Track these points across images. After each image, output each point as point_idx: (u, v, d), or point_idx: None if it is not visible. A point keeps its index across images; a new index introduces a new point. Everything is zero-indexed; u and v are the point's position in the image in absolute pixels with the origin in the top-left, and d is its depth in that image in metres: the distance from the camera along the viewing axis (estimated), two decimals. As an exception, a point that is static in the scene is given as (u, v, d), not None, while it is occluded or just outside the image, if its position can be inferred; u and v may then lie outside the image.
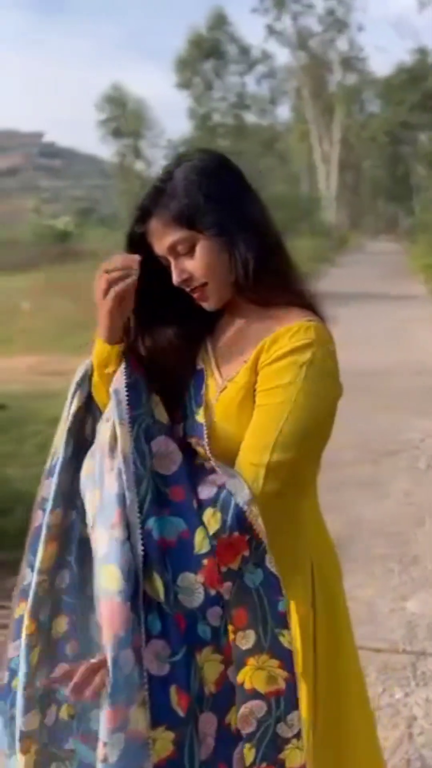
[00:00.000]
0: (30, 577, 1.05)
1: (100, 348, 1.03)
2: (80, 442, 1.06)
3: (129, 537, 0.87)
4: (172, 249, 0.97)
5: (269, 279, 0.97)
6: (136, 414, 0.94)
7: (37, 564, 1.04)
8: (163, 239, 0.97)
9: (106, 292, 0.98)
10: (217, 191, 0.96)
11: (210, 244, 0.96)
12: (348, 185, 41.02)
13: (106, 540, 0.88)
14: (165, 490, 0.91)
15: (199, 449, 0.97)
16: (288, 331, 0.94)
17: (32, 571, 1.05)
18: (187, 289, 0.99)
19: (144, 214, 0.98)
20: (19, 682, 1.04)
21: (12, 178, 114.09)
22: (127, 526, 0.87)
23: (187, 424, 1.00)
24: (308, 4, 33.01)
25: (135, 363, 1.00)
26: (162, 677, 0.82)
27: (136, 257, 0.97)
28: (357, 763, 1.06)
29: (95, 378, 1.04)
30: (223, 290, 0.98)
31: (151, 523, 0.87)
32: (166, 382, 1.02)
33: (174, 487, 0.91)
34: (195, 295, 0.99)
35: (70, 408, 1.08)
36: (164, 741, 0.82)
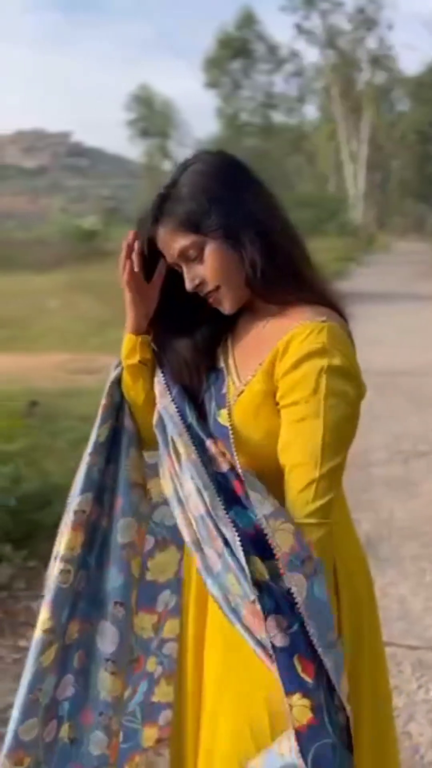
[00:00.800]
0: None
1: (125, 339, 1.07)
2: (115, 430, 1.09)
3: (227, 543, 0.88)
4: (182, 255, 0.96)
5: (280, 277, 0.95)
6: (188, 423, 0.97)
7: (61, 550, 1.04)
8: (172, 246, 0.96)
9: (123, 280, 1.02)
10: (220, 192, 0.94)
11: (218, 247, 0.94)
12: (376, 185, 40.64)
13: (215, 556, 0.91)
14: (230, 486, 0.92)
15: (213, 449, 0.95)
16: (300, 334, 0.91)
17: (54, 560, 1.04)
18: (202, 295, 0.98)
19: (151, 222, 0.98)
20: (24, 682, 1.02)
21: (39, 177, 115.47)
22: (222, 535, 0.89)
23: (208, 426, 0.99)
24: (337, 2, 32.85)
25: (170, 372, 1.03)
26: (285, 648, 0.84)
27: (129, 233, 1.00)
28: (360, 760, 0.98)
29: (124, 367, 1.08)
30: (237, 292, 0.97)
31: (232, 515, 0.89)
32: (188, 383, 1.03)
33: (234, 481, 0.93)
34: (210, 300, 0.98)
35: (107, 394, 1.11)
36: (301, 708, 0.84)
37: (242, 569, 0.86)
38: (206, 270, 0.95)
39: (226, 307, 0.99)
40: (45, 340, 10.10)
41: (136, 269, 1.01)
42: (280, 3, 32.52)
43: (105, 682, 1.07)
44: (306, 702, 0.83)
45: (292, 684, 0.84)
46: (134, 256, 1.00)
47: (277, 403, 0.92)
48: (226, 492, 0.90)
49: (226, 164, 0.97)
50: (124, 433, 1.09)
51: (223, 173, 0.96)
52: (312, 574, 0.86)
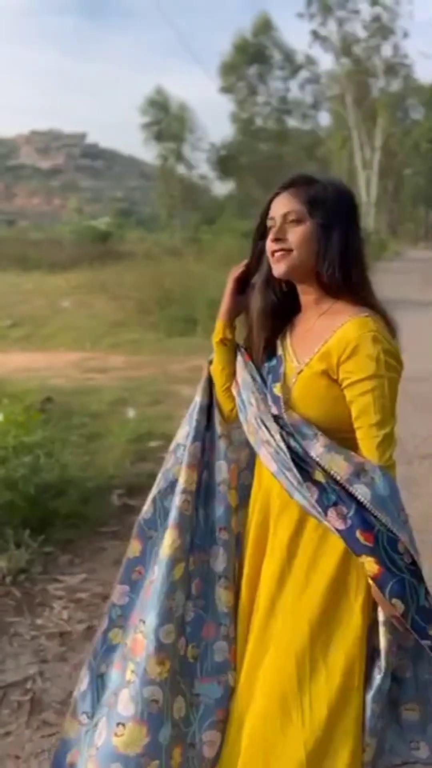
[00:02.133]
0: (154, 509, 1.39)
1: (217, 322, 1.40)
2: (210, 399, 1.44)
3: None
4: (286, 215, 1.24)
5: (345, 278, 1.23)
6: (260, 386, 1.32)
7: (181, 484, 1.35)
8: (286, 204, 1.23)
9: (233, 281, 1.36)
10: (340, 205, 1.24)
11: (313, 229, 1.22)
12: (388, 192, 40.66)
13: (291, 477, 1.21)
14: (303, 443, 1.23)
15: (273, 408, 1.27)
16: (352, 326, 1.19)
17: (167, 497, 1.37)
18: (275, 247, 1.24)
19: (290, 183, 1.25)
20: (158, 592, 1.28)
21: (54, 177, 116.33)
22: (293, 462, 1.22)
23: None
24: (354, 9, 33.00)
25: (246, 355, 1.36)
26: (347, 528, 1.16)
27: (243, 263, 1.37)
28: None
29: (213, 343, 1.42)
30: (298, 266, 1.24)
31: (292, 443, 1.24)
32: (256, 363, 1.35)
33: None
34: (277, 255, 1.24)
35: (205, 375, 1.46)
36: (369, 563, 1.15)
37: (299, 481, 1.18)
38: (294, 235, 1.23)
39: (282, 268, 1.25)
40: (59, 339, 10.24)
41: (237, 275, 1.37)
42: (296, 10, 32.72)
43: (221, 597, 1.34)
44: (371, 559, 1.13)
45: (359, 549, 1.14)
46: (242, 268, 1.37)
47: (337, 381, 1.20)
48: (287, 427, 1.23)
49: (352, 196, 1.29)
50: (214, 403, 1.43)
51: (350, 199, 1.27)
52: (371, 482, 1.15)
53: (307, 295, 1.29)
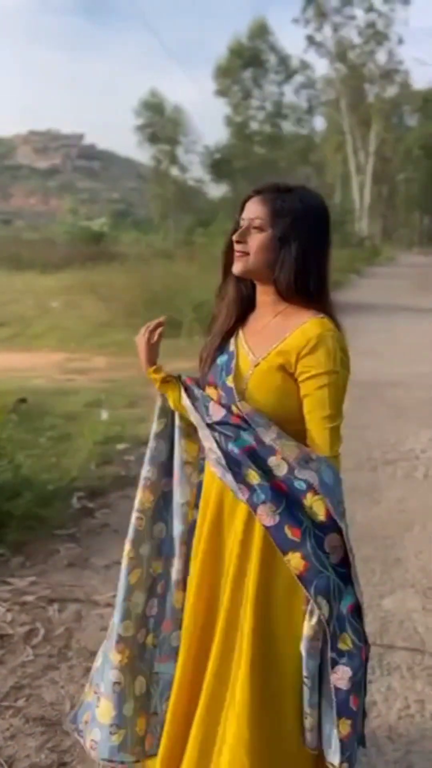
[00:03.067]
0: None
1: (147, 372, 1.55)
2: (171, 425, 1.57)
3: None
4: (252, 220, 1.31)
5: (303, 289, 1.30)
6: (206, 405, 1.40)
7: (136, 505, 1.55)
8: (255, 210, 1.31)
9: (145, 335, 1.50)
10: (307, 225, 1.29)
11: (270, 240, 1.29)
12: (383, 197, 40.78)
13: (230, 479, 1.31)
14: (231, 423, 1.33)
15: (214, 408, 1.36)
16: (312, 326, 1.26)
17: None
18: (236, 248, 1.32)
19: (262, 190, 1.32)
20: (119, 594, 1.51)
21: (51, 178, 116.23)
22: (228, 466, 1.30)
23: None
24: (350, 15, 33.12)
25: (189, 379, 1.47)
26: (275, 524, 1.22)
27: (161, 319, 1.51)
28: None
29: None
30: (252, 270, 1.32)
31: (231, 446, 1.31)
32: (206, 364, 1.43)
33: (233, 418, 1.33)
34: (236, 255, 1.33)
35: (160, 397, 1.58)
36: (296, 559, 1.20)
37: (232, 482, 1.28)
38: (253, 240, 1.31)
39: (238, 268, 1.34)
40: (45, 339, 10.22)
41: (152, 342, 1.51)
42: (293, 15, 32.87)
43: (177, 597, 1.55)
44: (297, 554, 1.20)
45: (285, 545, 1.21)
46: (158, 332, 1.51)
47: (292, 376, 1.27)
48: (228, 429, 1.31)
49: (322, 207, 1.34)
50: (175, 428, 1.55)
51: (319, 213, 1.32)
52: (318, 470, 1.23)
53: (264, 296, 1.36)
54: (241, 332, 1.39)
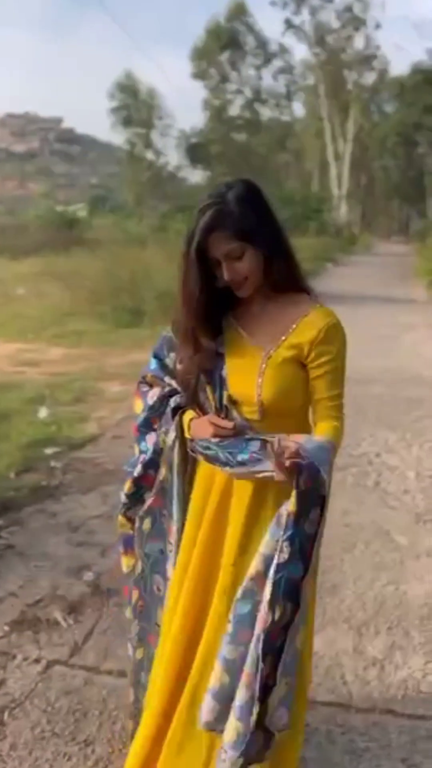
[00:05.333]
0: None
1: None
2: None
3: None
4: (228, 255, 1.33)
5: (292, 277, 1.40)
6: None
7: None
8: (221, 247, 1.32)
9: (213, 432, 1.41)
10: (261, 216, 1.34)
11: (256, 254, 1.34)
12: (361, 185, 40.48)
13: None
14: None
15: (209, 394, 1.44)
16: (318, 315, 1.36)
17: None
18: (234, 281, 1.35)
19: (208, 230, 1.31)
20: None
21: (29, 162, 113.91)
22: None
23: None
24: (328, -1, 32.49)
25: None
26: None
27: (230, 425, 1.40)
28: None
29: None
30: (256, 283, 1.37)
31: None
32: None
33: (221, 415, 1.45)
34: (236, 286, 1.36)
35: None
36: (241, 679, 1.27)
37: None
38: (243, 266, 1.34)
39: (245, 292, 1.38)
40: (5, 328, 9.82)
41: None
42: (270, -3, 32.09)
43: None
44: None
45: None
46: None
47: (303, 363, 1.36)
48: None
49: (258, 191, 1.36)
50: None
51: (259, 198, 1.35)
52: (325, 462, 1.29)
53: (254, 295, 1.41)
54: (235, 326, 1.43)
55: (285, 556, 1.23)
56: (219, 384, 1.40)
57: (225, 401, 1.39)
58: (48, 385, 6.09)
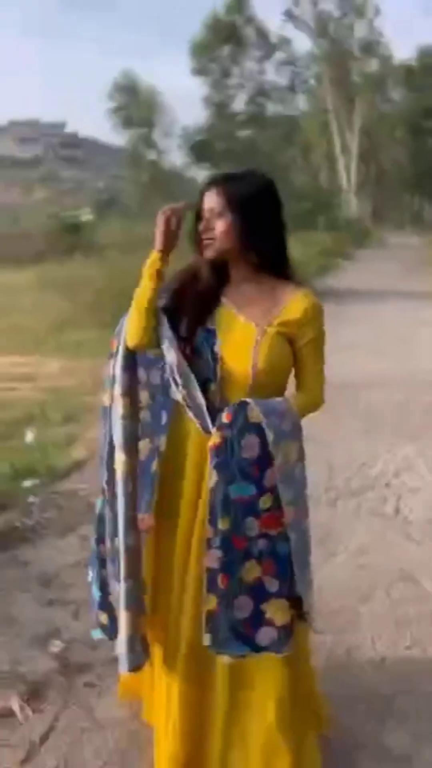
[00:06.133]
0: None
1: (152, 256, 1.52)
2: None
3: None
4: (211, 209, 1.49)
5: (276, 262, 1.53)
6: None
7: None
8: (212, 200, 1.48)
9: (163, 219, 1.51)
10: (260, 202, 1.49)
11: (232, 223, 1.47)
12: (371, 177, 39.71)
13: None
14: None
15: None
16: (304, 297, 1.52)
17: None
18: (204, 236, 1.49)
19: (215, 181, 1.50)
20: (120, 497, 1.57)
21: (33, 168, 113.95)
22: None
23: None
24: (329, -13, 31.74)
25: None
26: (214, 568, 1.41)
27: (179, 205, 1.52)
28: None
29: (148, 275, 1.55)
30: (223, 251, 1.50)
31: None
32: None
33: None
34: (205, 243, 1.49)
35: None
36: (212, 601, 1.40)
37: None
38: (218, 226, 1.49)
39: (209, 253, 1.51)
40: (3, 340, 9.50)
41: (170, 227, 1.51)
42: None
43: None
44: (214, 599, 1.44)
45: (210, 588, 1.43)
46: (175, 220, 1.51)
47: (290, 339, 1.50)
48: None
49: (271, 186, 1.52)
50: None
51: (267, 190, 1.51)
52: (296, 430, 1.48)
53: (237, 271, 1.53)
54: (227, 305, 1.52)
55: (212, 481, 1.39)
56: (212, 359, 1.47)
57: (218, 372, 1.47)
58: (40, 403, 5.72)
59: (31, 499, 3.45)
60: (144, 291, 1.51)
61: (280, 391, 1.51)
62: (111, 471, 1.57)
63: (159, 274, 1.50)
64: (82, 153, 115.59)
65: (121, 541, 1.53)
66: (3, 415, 5.29)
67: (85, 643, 2.20)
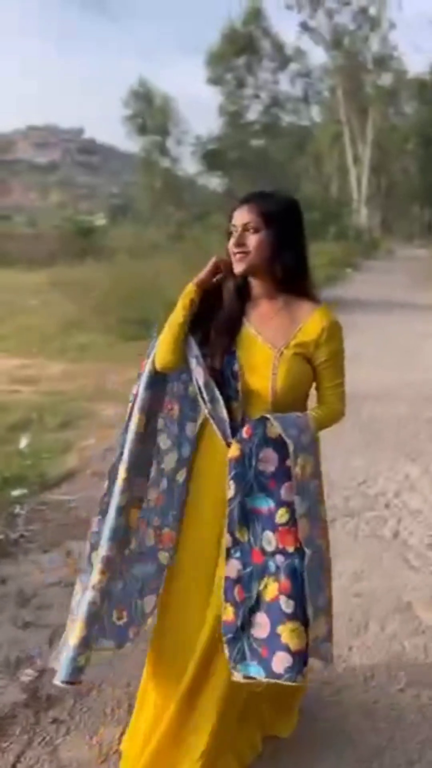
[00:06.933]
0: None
1: (189, 287, 1.60)
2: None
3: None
4: (245, 225, 1.53)
5: (301, 279, 1.59)
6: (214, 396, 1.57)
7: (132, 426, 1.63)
8: (245, 216, 1.53)
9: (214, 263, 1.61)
10: (290, 220, 1.56)
11: (266, 239, 1.52)
12: (382, 189, 39.56)
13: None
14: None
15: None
16: (323, 316, 1.55)
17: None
18: (236, 250, 1.53)
19: (246, 199, 1.55)
20: (110, 516, 1.58)
21: (50, 173, 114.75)
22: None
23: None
24: (345, 1, 31.78)
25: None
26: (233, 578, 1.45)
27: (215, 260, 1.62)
28: None
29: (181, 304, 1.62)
30: (255, 266, 1.54)
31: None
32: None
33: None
34: (237, 258, 1.53)
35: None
36: (228, 611, 1.44)
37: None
38: (252, 241, 1.52)
39: (241, 267, 1.55)
40: (11, 341, 9.45)
41: (218, 273, 1.60)
42: (285, 1, 31.47)
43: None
44: (232, 609, 1.47)
45: (227, 597, 1.46)
46: (225, 267, 1.60)
47: (308, 359, 1.55)
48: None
49: (298, 207, 1.59)
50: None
51: (296, 210, 1.58)
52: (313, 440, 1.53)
53: (259, 288, 1.59)
54: (247, 326, 1.58)
55: (231, 492, 1.44)
56: (232, 378, 1.53)
57: (239, 391, 1.53)
58: (39, 407, 5.62)
59: (17, 510, 3.33)
60: (176, 316, 1.59)
61: (301, 405, 1.56)
62: (112, 483, 1.61)
63: (192, 303, 1.58)
64: (98, 159, 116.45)
65: (102, 550, 1.55)
66: (3, 418, 5.20)
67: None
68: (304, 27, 32.30)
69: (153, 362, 1.61)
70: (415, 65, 64.46)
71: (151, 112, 33.19)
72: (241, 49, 33.33)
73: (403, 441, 4.60)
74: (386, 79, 34.82)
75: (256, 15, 33.36)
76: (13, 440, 4.67)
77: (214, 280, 1.58)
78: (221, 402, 1.51)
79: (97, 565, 1.54)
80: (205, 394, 1.51)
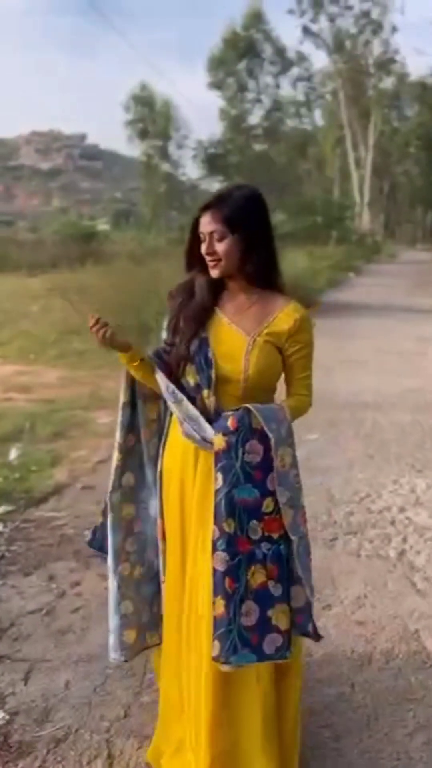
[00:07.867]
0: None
1: (122, 357, 1.69)
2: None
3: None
4: (211, 234, 1.56)
5: (270, 274, 1.62)
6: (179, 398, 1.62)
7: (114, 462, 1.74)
8: (209, 226, 1.55)
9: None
10: (253, 216, 1.57)
11: (233, 245, 1.55)
12: (384, 192, 39.42)
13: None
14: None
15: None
16: (294, 309, 1.60)
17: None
18: (208, 258, 1.57)
19: (206, 206, 1.57)
20: (111, 541, 1.70)
21: (54, 178, 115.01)
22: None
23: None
24: (347, 5, 31.73)
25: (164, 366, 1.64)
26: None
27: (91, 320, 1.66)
28: None
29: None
30: (228, 269, 1.58)
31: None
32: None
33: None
34: (211, 264, 1.57)
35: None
36: (219, 604, 1.42)
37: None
38: (221, 248, 1.56)
39: (216, 273, 1.59)
40: (8, 348, 9.32)
41: (104, 341, 1.64)
42: (287, 6, 31.44)
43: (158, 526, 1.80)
44: (222, 602, 1.44)
45: (217, 591, 1.44)
46: (101, 331, 1.64)
47: (279, 349, 1.58)
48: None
49: (260, 198, 1.60)
50: (137, 394, 1.72)
51: (258, 203, 1.58)
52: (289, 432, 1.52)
53: (233, 283, 1.62)
54: (220, 316, 1.62)
55: (218, 483, 1.45)
56: (205, 365, 1.55)
57: (213, 378, 1.54)
58: (32, 416, 5.45)
59: (0, 528, 3.15)
60: (122, 395, 1.72)
61: (270, 394, 1.61)
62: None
63: (141, 364, 1.64)
64: (101, 164, 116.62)
65: (109, 540, 1.69)
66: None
67: (32, 716, 1.89)
68: (306, 31, 32.25)
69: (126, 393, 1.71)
70: (417, 68, 64.52)
71: (152, 117, 33.16)
72: (243, 53, 33.28)
73: (408, 452, 4.41)
74: (388, 83, 34.77)
75: (257, 19, 33.31)
76: (3, 452, 4.51)
77: (103, 330, 1.60)
78: (185, 401, 1.55)
79: (110, 552, 1.69)
80: (170, 398, 1.57)
